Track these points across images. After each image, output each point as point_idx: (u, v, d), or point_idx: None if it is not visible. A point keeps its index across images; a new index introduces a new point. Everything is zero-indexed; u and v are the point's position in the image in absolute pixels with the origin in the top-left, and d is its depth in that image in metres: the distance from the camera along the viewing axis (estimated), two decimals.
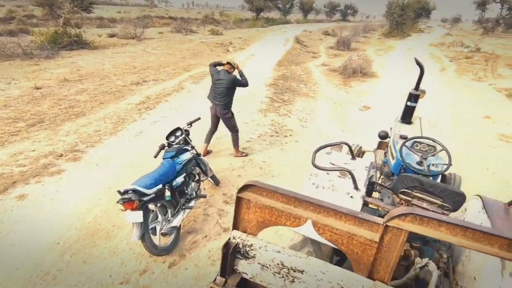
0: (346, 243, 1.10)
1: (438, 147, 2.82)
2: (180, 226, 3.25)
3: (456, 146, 5.91)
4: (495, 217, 1.98)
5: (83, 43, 13.89)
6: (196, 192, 3.60)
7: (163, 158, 3.26)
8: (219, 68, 4.72)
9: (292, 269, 1.17)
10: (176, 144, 3.44)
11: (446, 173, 3.17)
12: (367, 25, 41.25)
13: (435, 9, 40.41)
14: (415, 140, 2.93)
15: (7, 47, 11.01)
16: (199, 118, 3.85)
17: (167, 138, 3.50)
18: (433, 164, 2.74)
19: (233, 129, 4.99)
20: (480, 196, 2.24)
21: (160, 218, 3.05)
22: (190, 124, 3.74)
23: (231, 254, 1.24)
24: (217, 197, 4.09)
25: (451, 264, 2.04)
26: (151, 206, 2.88)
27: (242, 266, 1.28)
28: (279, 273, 1.20)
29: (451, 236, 0.94)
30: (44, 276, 2.83)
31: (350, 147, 2.56)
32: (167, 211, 3.14)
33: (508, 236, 0.89)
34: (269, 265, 1.21)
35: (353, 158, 2.60)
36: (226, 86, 4.57)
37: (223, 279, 1.25)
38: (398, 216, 0.99)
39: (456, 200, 2.13)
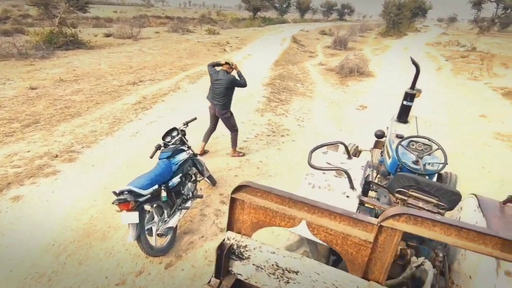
0: (341, 244, 1.10)
1: (434, 146, 2.83)
2: (176, 226, 3.24)
3: (452, 145, 5.94)
4: (491, 216, 1.98)
5: (79, 43, 13.80)
6: (192, 193, 3.59)
7: (159, 159, 3.25)
8: (217, 68, 4.71)
9: (287, 270, 1.17)
10: (172, 144, 3.43)
11: (442, 172, 3.18)
12: (364, 24, 41.34)
13: (431, 9, 40.60)
14: (411, 139, 2.93)
15: (2, 47, 10.91)
16: (195, 118, 3.84)
17: (163, 138, 3.48)
18: (429, 163, 2.74)
19: (233, 129, 4.99)
20: (475, 195, 2.25)
21: (156, 218, 3.04)
22: (186, 124, 3.73)
23: (225, 255, 1.24)
24: (213, 197, 4.07)
25: (447, 263, 2.05)
26: (147, 207, 2.87)
27: (237, 267, 1.27)
28: (274, 274, 1.19)
29: (446, 236, 0.94)
30: (39, 278, 2.81)
31: (346, 147, 2.56)
32: (163, 212, 3.12)
33: (502, 235, 0.89)
34: (264, 266, 1.21)
35: (349, 157, 2.60)
36: (224, 86, 4.56)
37: (218, 281, 1.24)
38: (392, 216, 0.99)
39: (452, 199, 2.14)
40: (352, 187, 2.11)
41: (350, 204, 2.01)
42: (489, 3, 35.62)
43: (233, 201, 1.26)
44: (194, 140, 5.05)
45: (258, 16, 39.85)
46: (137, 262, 3.03)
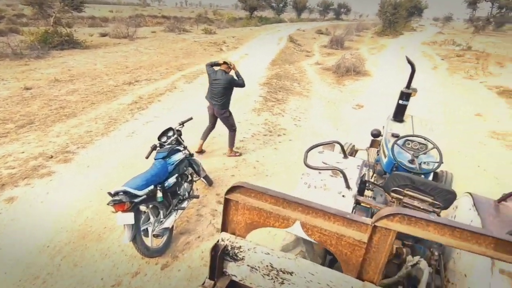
0: (335, 244, 1.09)
1: (430, 145, 2.83)
2: (172, 227, 3.22)
3: (448, 144, 5.97)
4: (485, 214, 1.99)
5: (74, 43, 13.70)
6: (188, 193, 3.57)
7: (155, 159, 3.23)
8: (216, 68, 4.69)
9: (281, 271, 1.16)
10: (168, 144, 3.41)
11: (438, 170, 3.20)
12: (360, 24, 41.43)
13: (427, 8, 40.77)
14: (406, 138, 2.94)
15: None
16: (191, 118, 3.82)
17: (159, 138, 3.46)
18: (424, 162, 2.75)
19: (232, 128, 4.99)
20: (470, 193, 2.26)
21: (152, 219, 3.02)
22: (182, 124, 3.71)
23: (219, 256, 1.23)
24: (210, 198, 4.06)
25: (443, 261, 2.06)
26: (142, 208, 2.85)
27: (231, 268, 1.26)
28: (268, 275, 1.18)
29: (439, 236, 0.94)
30: (33, 280, 2.79)
31: (342, 146, 2.56)
32: (159, 212, 3.11)
33: (495, 235, 0.89)
34: (258, 267, 1.20)
35: (345, 157, 2.61)
36: (223, 86, 4.56)
37: (212, 282, 1.23)
38: (386, 216, 0.98)
39: (447, 197, 2.14)
40: (348, 186, 2.11)
41: (346, 204, 2.01)
42: (484, 3, 35.84)
43: (227, 202, 1.25)
44: (191, 140, 5.03)
45: (254, 15, 39.82)
46: (133, 263, 3.01)
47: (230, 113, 4.89)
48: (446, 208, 2.21)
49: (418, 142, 2.91)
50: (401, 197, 2.26)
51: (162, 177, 3.06)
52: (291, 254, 1.22)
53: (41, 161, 4.61)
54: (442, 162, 2.67)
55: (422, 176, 2.66)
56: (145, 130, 5.94)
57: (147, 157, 3.19)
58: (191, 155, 3.77)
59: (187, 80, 9.78)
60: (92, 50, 13.58)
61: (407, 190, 2.24)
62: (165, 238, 3.11)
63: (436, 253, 2.01)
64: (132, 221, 2.63)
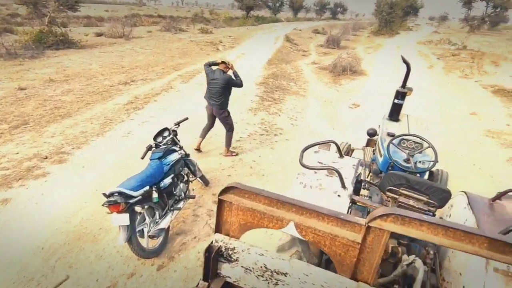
0: (329, 245, 1.09)
1: (425, 144, 2.84)
2: (168, 227, 3.21)
3: (444, 143, 6.00)
4: (480, 213, 2.01)
5: (69, 43, 13.60)
6: (184, 193, 3.55)
7: (150, 159, 3.21)
8: (214, 67, 4.68)
9: (275, 272, 1.16)
10: (164, 144, 3.39)
11: (434, 169, 3.21)
12: (357, 23, 41.57)
13: (422, 7, 40.94)
14: (402, 137, 2.95)
15: None
16: (186, 118, 3.80)
17: (155, 138, 3.44)
18: (420, 161, 2.75)
19: (230, 128, 4.98)
20: (465, 192, 2.27)
21: (147, 220, 3.00)
22: (178, 124, 3.69)
23: (213, 257, 1.22)
24: (206, 198, 4.05)
25: (438, 260, 2.07)
26: (138, 208, 2.83)
27: (225, 269, 1.25)
28: (262, 276, 1.18)
29: (433, 236, 0.94)
30: (28, 282, 2.76)
31: (337, 146, 2.56)
32: (155, 213, 3.09)
33: (488, 235, 0.89)
34: (252, 268, 1.19)
35: (341, 156, 2.61)
36: (221, 85, 4.54)
37: (206, 284, 1.23)
38: (380, 216, 0.98)
39: (442, 196, 2.15)
40: (343, 186, 2.11)
41: (342, 203, 2.01)
42: (479, 2, 36.07)
43: (220, 202, 1.24)
44: (186, 140, 5.02)
45: (251, 15, 39.78)
46: (129, 264, 2.99)
47: (229, 113, 4.89)
48: (441, 207, 2.22)
49: (414, 141, 2.91)
50: (397, 196, 2.26)
51: (157, 177, 3.04)
52: (285, 255, 1.22)
53: (36, 162, 4.57)
54: (437, 161, 2.68)
55: (418, 175, 2.67)
56: (141, 130, 5.91)
57: (142, 158, 3.17)
58: (187, 155, 3.76)
59: (183, 80, 9.74)
60: (87, 50, 13.48)
61: (402, 189, 2.25)
62: (161, 239, 3.10)
63: (432, 252, 2.02)
64: (127, 222, 2.61)
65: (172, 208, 3.26)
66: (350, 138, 5.43)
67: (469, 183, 4.65)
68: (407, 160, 2.75)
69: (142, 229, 2.95)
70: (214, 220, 3.77)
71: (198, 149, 5.12)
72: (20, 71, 9.28)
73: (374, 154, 3.64)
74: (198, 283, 1.23)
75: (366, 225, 1.01)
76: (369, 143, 4.12)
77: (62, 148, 5.03)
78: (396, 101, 3.60)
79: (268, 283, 1.17)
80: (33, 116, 6.13)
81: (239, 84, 4.67)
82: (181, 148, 3.63)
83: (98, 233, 3.35)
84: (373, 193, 2.97)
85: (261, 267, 1.17)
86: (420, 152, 2.82)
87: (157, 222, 3.05)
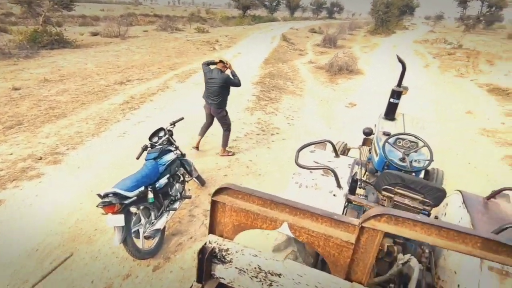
0: (323, 245, 1.09)
1: (420, 143, 2.85)
2: (164, 228, 3.19)
3: (440, 141, 6.02)
4: (475, 212, 2.01)
5: (65, 42, 13.49)
6: (180, 193, 3.54)
7: (146, 160, 3.19)
8: (212, 67, 4.67)
9: (269, 273, 1.15)
10: (159, 144, 3.37)
11: (429, 168, 3.22)
12: (353, 22, 41.65)
13: (418, 7, 41.16)
14: (397, 136, 2.95)
15: None
16: (182, 118, 3.78)
17: (150, 139, 3.42)
18: (415, 160, 2.76)
19: (227, 127, 4.98)
20: (460, 191, 2.28)
21: (143, 221, 2.98)
22: (173, 124, 3.67)
23: (207, 259, 1.21)
24: (202, 198, 4.04)
25: (433, 258, 2.07)
26: (133, 209, 2.80)
27: (219, 271, 1.24)
28: (256, 277, 1.17)
29: (426, 236, 0.93)
30: (22, 285, 2.73)
31: (333, 145, 2.56)
32: (150, 214, 3.07)
33: (481, 234, 0.89)
34: (246, 269, 1.18)
35: (337, 156, 2.60)
36: (218, 85, 4.53)
37: (200, 285, 1.22)
38: (374, 216, 0.98)
39: (437, 195, 2.16)
40: (339, 185, 2.11)
41: (337, 203, 2.01)
42: (474, 1, 36.28)
43: (214, 203, 1.23)
44: (182, 140, 5.00)
45: (248, 14, 39.71)
46: (124, 265, 2.97)
47: (227, 113, 4.88)
48: (436, 205, 2.23)
49: (409, 140, 2.92)
50: (392, 195, 2.26)
51: (153, 178, 3.03)
52: (279, 256, 1.21)
53: (30, 163, 4.52)
54: (433, 160, 2.69)
55: (413, 174, 2.68)
56: (137, 130, 5.88)
57: (137, 158, 3.15)
58: (182, 155, 3.74)
59: (180, 79, 9.71)
60: (82, 50, 13.39)
61: (397, 189, 2.25)
62: (156, 239, 3.08)
63: (427, 251, 2.03)
64: (122, 223, 2.59)
65: (167, 209, 3.24)
66: (346, 137, 5.43)
67: (464, 181, 4.67)
68: (402, 159, 2.76)
69: (138, 230, 2.93)
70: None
71: (197, 148, 5.11)
72: (15, 71, 9.20)
73: (370, 153, 3.65)
74: (192, 285, 1.22)
75: (360, 225, 1.00)
76: (365, 142, 4.12)
77: (57, 148, 4.98)
78: (391, 100, 3.60)
79: (262, 284, 1.16)
80: (28, 116, 6.08)
81: (237, 84, 4.66)
82: (177, 148, 3.61)
83: (93, 234, 3.33)
84: (369, 192, 2.98)
85: (255, 268, 1.17)
86: (415, 151, 2.82)
87: (152, 223, 3.04)
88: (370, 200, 2.77)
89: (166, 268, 2.98)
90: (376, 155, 3.08)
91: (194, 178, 3.98)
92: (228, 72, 4.68)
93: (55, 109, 6.55)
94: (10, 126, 5.59)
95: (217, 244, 1.24)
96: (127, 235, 2.71)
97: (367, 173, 3.42)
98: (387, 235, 1.00)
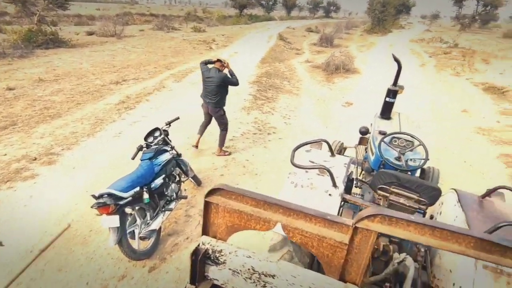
0: (317, 246, 1.08)
1: (416, 142, 2.85)
2: (160, 228, 3.17)
3: (436, 140, 6.05)
4: (470, 210, 2.02)
5: (60, 42, 13.38)
6: (176, 194, 3.52)
7: (141, 160, 3.17)
8: (209, 66, 4.66)
9: (263, 274, 1.14)
10: (155, 145, 3.35)
11: (425, 167, 3.23)
12: (350, 21, 41.71)
13: (414, 6, 41.33)
14: (393, 135, 2.95)
15: None
16: (178, 118, 3.76)
17: (145, 139, 3.40)
18: (411, 159, 2.77)
19: (224, 127, 4.97)
20: (455, 189, 2.28)
21: (138, 221, 2.96)
22: (169, 124, 3.65)
23: (200, 260, 1.20)
24: (199, 198, 4.02)
25: (429, 257, 2.07)
26: (128, 210, 2.78)
27: (213, 272, 1.23)
28: (250, 278, 1.16)
29: (420, 236, 0.93)
30: (16, 287, 2.71)
31: (329, 145, 2.55)
32: (146, 214, 3.05)
33: (474, 234, 0.88)
34: (240, 270, 1.17)
35: (333, 155, 2.60)
36: (216, 84, 4.52)
37: (193, 287, 1.20)
38: (367, 217, 0.97)
39: (432, 194, 2.16)
40: (334, 185, 2.11)
41: (333, 202, 2.00)
42: (470, 0, 36.56)
43: (207, 204, 1.22)
44: (178, 140, 4.98)
45: (244, 13, 39.66)
46: (120, 266, 2.95)
47: (224, 112, 4.87)
48: (431, 204, 2.23)
49: (405, 139, 2.92)
50: (388, 194, 2.26)
51: (148, 178, 3.01)
52: (274, 256, 1.20)
53: (25, 164, 4.48)
54: (428, 159, 2.69)
55: (409, 173, 2.68)
56: (133, 130, 5.84)
57: (133, 158, 3.13)
58: (178, 155, 3.72)
59: (176, 79, 9.66)
60: (78, 49, 13.29)
61: (393, 188, 2.25)
62: (152, 240, 3.06)
63: (422, 250, 2.03)
64: (117, 224, 2.57)
65: (163, 209, 3.23)
66: (343, 136, 5.44)
67: (460, 180, 4.69)
68: (398, 158, 2.76)
69: (133, 231, 2.92)
70: None
71: (196, 146, 5.10)
72: (9, 71, 9.11)
73: (366, 152, 3.65)
74: (185, 287, 1.21)
75: (353, 225, 1.00)
76: (362, 141, 4.13)
77: (52, 149, 4.94)
78: (387, 99, 3.61)
79: (256, 285, 1.15)
80: (22, 116, 6.02)
81: (235, 83, 4.65)
82: (172, 148, 3.59)
83: (89, 235, 3.30)
84: (365, 191, 2.98)
85: (248, 269, 1.16)
86: (411, 150, 2.83)
87: (148, 223, 3.02)
88: (366, 199, 2.77)
89: (162, 268, 2.97)
90: (372, 154, 3.08)
91: (190, 178, 3.96)
92: (226, 71, 4.67)
93: (50, 109, 6.50)
94: (4, 126, 5.53)
95: (211, 245, 1.23)
96: (122, 236, 2.70)
97: (363, 172, 3.43)
98: (382, 234, 1.00)
